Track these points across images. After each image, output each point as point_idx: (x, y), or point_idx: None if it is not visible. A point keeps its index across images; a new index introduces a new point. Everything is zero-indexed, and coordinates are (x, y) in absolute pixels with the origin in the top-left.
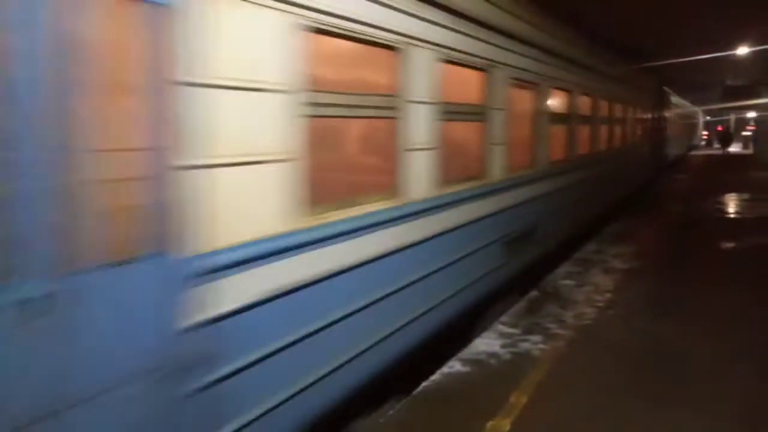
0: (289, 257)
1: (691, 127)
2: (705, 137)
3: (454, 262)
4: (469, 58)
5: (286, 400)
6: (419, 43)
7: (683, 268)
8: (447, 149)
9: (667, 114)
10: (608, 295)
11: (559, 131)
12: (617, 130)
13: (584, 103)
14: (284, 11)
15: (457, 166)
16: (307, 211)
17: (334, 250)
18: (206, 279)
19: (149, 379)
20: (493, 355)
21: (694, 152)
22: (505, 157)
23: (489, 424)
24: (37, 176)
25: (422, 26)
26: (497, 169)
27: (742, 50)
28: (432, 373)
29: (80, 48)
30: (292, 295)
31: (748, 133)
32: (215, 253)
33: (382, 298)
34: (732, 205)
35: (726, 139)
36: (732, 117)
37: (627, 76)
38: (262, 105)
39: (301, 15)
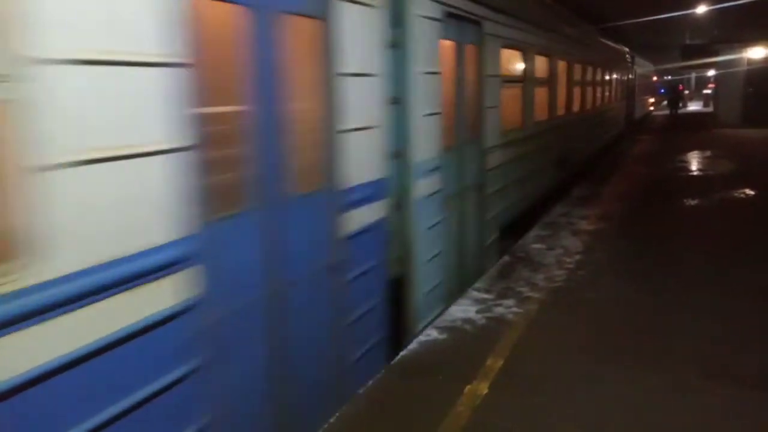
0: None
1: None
2: (652, 103)
3: None
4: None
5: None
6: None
7: (650, 227)
8: None
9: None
10: (578, 257)
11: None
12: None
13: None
14: None
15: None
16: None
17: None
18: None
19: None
20: (468, 320)
21: (656, 113)
22: None
23: (467, 388)
24: None
25: None
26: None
27: (702, 9)
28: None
29: None
30: None
31: (709, 92)
32: None
33: None
34: (694, 163)
35: (675, 101)
36: (693, 76)
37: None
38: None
39: None
